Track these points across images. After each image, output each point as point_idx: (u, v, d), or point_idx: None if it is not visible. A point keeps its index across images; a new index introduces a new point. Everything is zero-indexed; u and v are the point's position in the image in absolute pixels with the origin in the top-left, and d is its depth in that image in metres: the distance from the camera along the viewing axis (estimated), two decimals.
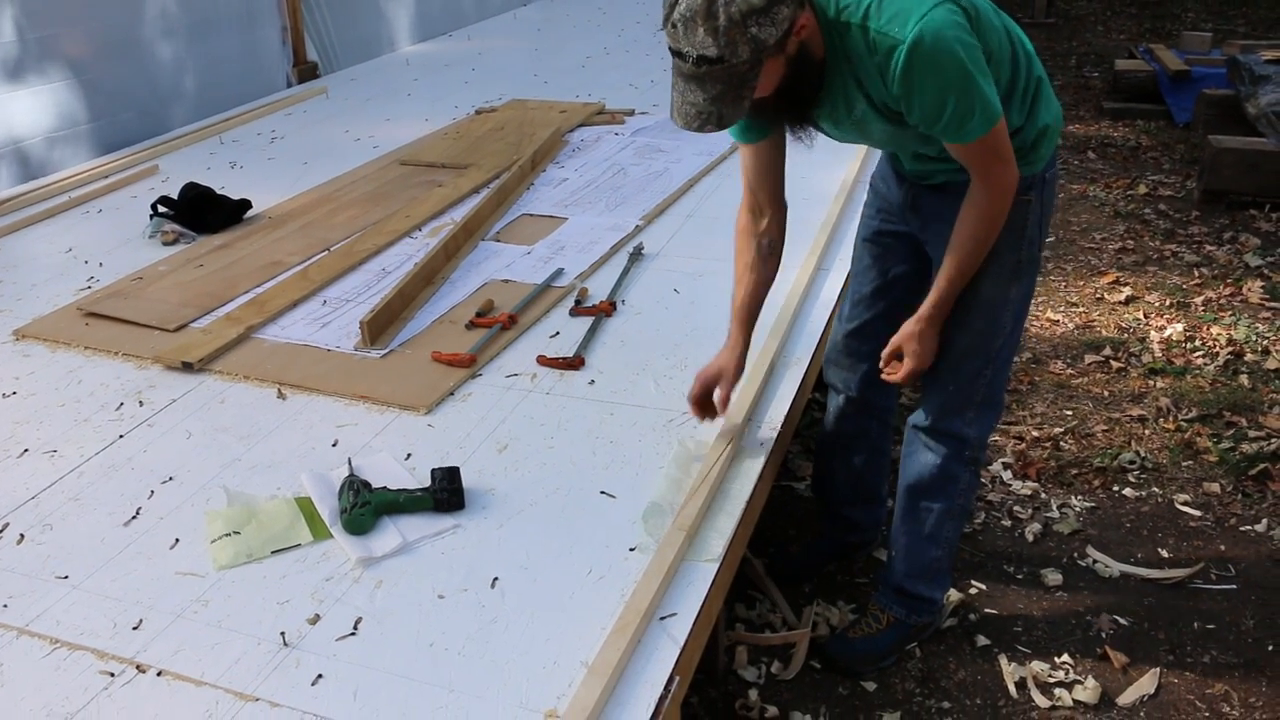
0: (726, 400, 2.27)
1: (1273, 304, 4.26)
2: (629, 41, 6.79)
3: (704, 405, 2.28)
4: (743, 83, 1.76)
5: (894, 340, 2.16)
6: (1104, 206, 5.48)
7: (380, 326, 2.84)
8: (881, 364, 2.20)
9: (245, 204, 3.84)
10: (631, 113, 4.93)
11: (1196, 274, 4.59)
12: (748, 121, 2.05)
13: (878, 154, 2.39)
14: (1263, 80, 6.05)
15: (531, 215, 3.70)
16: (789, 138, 2.06)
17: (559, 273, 3.20)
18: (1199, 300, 4.32)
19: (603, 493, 2.18)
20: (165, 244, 3.62)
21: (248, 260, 3.42)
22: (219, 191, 3.87)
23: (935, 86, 1.78)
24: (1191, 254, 4.82)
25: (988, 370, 2.18)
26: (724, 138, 4.44)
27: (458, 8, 7.59)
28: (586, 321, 2.91)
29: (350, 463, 2.26)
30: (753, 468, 2.25)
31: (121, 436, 2.46)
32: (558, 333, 2.88)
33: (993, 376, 2.20)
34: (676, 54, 1.75)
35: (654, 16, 7.06)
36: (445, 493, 2.11)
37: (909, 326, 2.13)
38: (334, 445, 2.39)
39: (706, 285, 3.14)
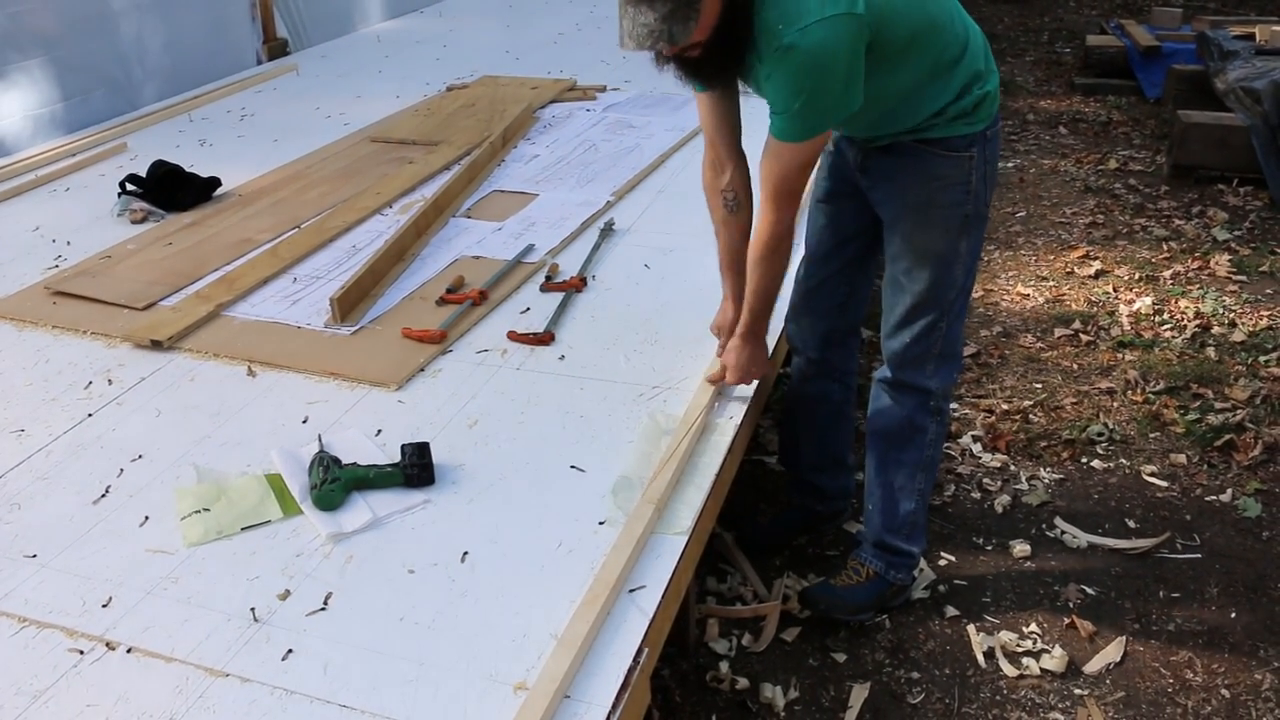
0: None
1: (1239, 277, 4.30)
2: (600, 17, 6.76)
3: None
4: (689, 4, 1.81)
5: (721, 357, 2.38)
6: (1074, 181, 5.51)
7: (351, 303, 2.83)
8: (711, 379, 2.39)
9: (215, 181, 3.81)
10: (603, 89, 4.92)
11: (1165, 248, 4.62)
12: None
13: None
14: (1231, 56, 6.08)
15: (502, 191, 3.69)
16: (741, 88, 2.13)
17: (530, 249, 3.20)
18: (1167, 274, 4.35)
19: (572, 467, 2.19)
20: (134, 222, 3.59)
21: (217, 238, 3.40)
22: (188, 169, 3.84)
23: (788, 86, 1.88)
24: (1161, 228, 4.85)
25: (942, 323, 2.23)
26: (695, 116, 4.44)
27: None
28: (557, 297, 2.91)
29: (320, 439, 2.25)
30: (722, 441, 2.26)
31: (90, 415, 2.45)
32: (528, 308, 2.88)
33: (948, 329, 2.25)
34: None
35: None
36: (415, 468, 2.12)
37: (732, 342, 2.32)
38: (304, 422, 2.38)
39: (677, 261, 3.15)
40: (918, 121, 2.06)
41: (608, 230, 3.33)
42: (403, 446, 2.16)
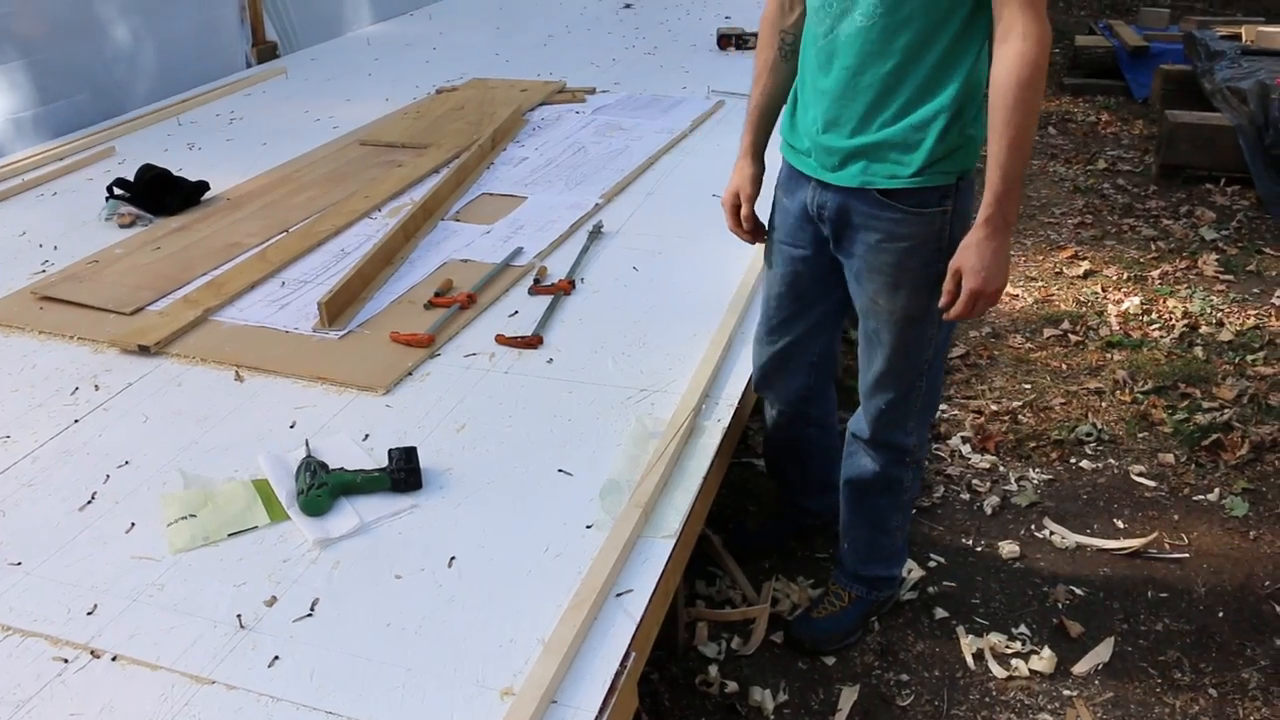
0: (751, 216, 2.24)
1: (1226, 276, 4.32)
2: (591, 20, 6.77)
3: (742, 229, 2.27)
4: None
5: (953, 262, 1.89)
6: (1064, 182, 5.52)
7: (339, 307, 2.82)
8: (942, 301, 1.92)
9: (203, 185, 3.80)
10: (593, 91, 4.92)
11: (1153, 248, 4.64)
12: None
13: None
14: (1218, 56, 6.10)
15: (491, 194, 3.69)
16: None
17: (518, 251, 3.20)
18: (1155, 274, 4.36)
19: (560, 470, 2.19)
20: (122, 226, 3.58)
21: (206, 242, 3.39)
22: (176, 173, 3.83)
23: None
24: (1149, 228, 4.86)
25: (920, 382, 2.13)
26: (684, 117, 4.45)
27: None
28: (545, 300, 2.91)
29: (307, 444, 2.25)
30: (709, 444, 2.26)
31: (77, 421, 2.44)
32: (516, 312, 2.87)
33: (928, 386, 2.15)
34: None
35: None
36: (403, 473, 2.11)
37: (967, 238, 1.87)
38: (291, 427, 2.38)
39: (665, 263, 3.15)
40: (917, 118, 1.89)
41: (596, 233, 3.33)
42: (390, 451, 2.16)
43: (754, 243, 2.31)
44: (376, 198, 3.61)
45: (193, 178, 3.83)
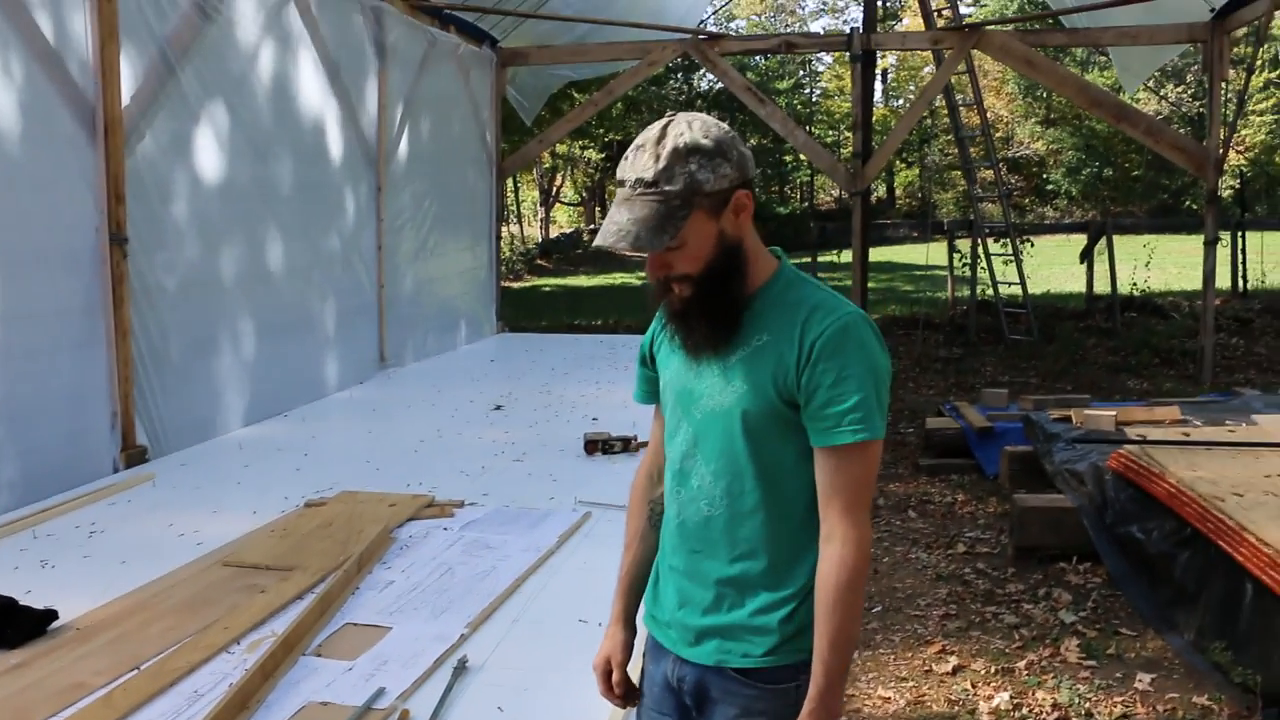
0: (623, 682, 2.22)
1: (1089, 662, 4.44)
2: (462, 422, 7.01)
3: (613, 694, 2.23)
4: (668, 216, 1.83)
5: None
6: (926, 569, 5.71)
7: None
8: None
9: (51, 615, 3.67)
10: (461, 504, 5.03)
11: (1017, 636, 4.77)
12: (646, 376, 2.17)
13: None
14: (1054, 438, 6.58)
15: (355, 625, 3.65)
16: (687, 364, 2.04)
17: (380, 693, 3.14)
18: (1022, 664, 4.47)
19: None
20: None
21: (47, 682, 3.24)
22: (23, 599, 3.72)
23: (861, 365, 1.85)
24: (1010, 614, 5.02)
25: None
26: (552, 532, 4.56)
27: (292, 386, 7.72)
28: None
29: None
30: None
31: None
32: None
33: None
34: (621, 183, 1.84)
35: (487, 396, 7.35)
36: None
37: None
38: None
39: (532, 701, 3.12)
40: (765, 603, 1.97)
41: (461, 668, 3.31)
42: None
43: (625, 708, 2.33)
44: (236, 629, 3.54)
45: (43, 601, 3.72)
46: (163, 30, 6.23)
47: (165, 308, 6.30)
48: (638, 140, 1.91)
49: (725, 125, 1.93)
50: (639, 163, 1.87)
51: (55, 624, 3.67)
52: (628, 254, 1.89)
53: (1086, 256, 14.29)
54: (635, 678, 2.29)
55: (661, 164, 1.85)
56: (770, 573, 1.99)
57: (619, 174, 1.90)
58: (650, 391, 2.22)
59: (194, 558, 4.35)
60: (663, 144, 1.86)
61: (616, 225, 1.85)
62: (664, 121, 1.93)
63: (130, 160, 5.95)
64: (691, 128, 1.89)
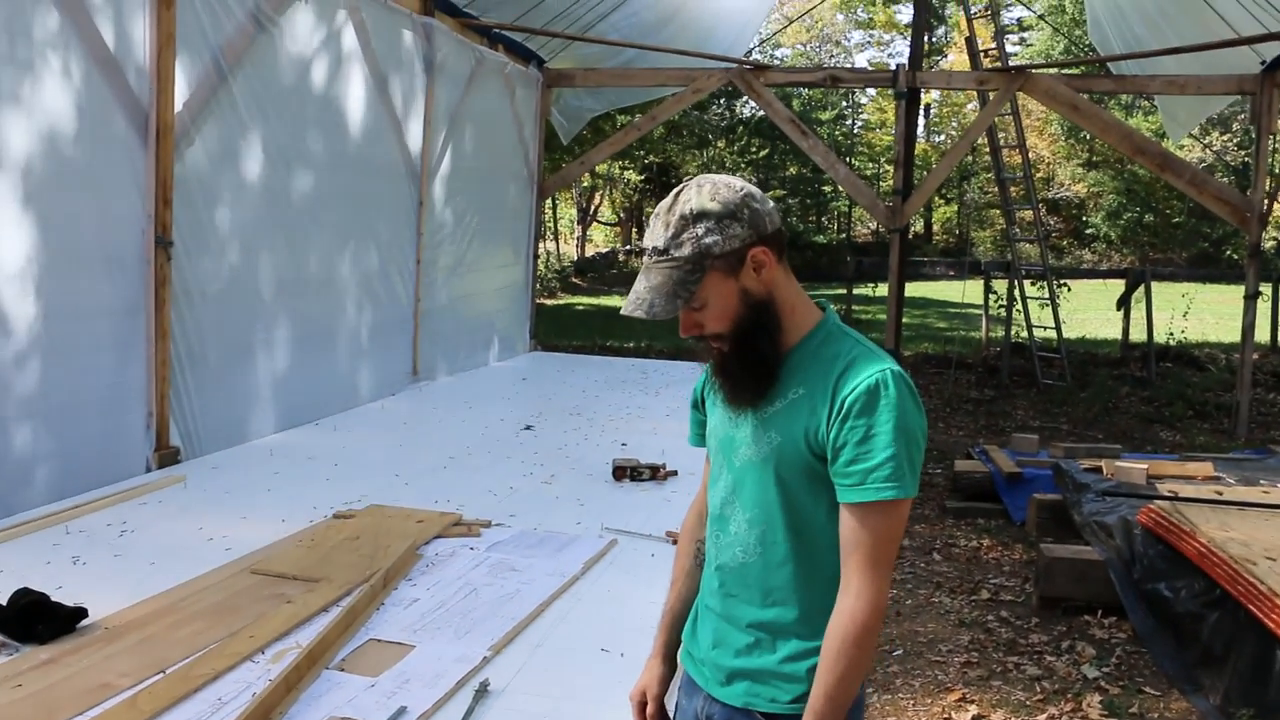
0: (657, 715, 2.24)
1: None
2: (491, 441, 7.04)
3: None
4: (681, 282, 1.88)
5: None
6: (949, 614, 5.67)
7: None
8: None
9: (81, 612, 3.72)
10: (488, 524, 5.04)
11: (1038, 688, 4.73)
12: (698, 420, 2.22)
13: None
14: (1084, 489, 6.53)
15: (379, 641, 3.67)
16: (728, 413, 2.08)
17: (401, 711, 3.15)
18: (1043, 717, 4.43)
19: None
20: None
21: (74, 680, 3.27)
22: (54, 595, 3.76)
23: (891, 423, 1.86)
24: (1033, 665, 4.98)
25: None
26: (577, 558, 4.56)
27: (325, 395, 7.78)
28: None
29: None
30: None
31: None
32: None
33: None
34: (642, 251, 1.91)
35: (517, 415, 7.38)
36: None
37: None
38: None
39: None
40: (795, 651, 2.00)
41: (482, 691, 3.32)
42: None
43: None
44: (262, 639, 3.57)
45: (73, 599, 3.76)
46: (218, 39, 6.32)
47: (205, 311, 6.37)
48: (656, 209, 1.98)
49: (741, 184, 1.98)
50: (654, 231, 1.94)
51: (84, 622, 3.71)
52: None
53: (1124, 304, 14.20)
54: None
55: (670, 231, 1.91)
56: (802, 621, 2.01)
57: (643, 241, 1.98)
58: (702, 435, 2.26)
59: (222, 563, 4.38)
60: (673, 212, 1.93)
61: (636, 294, 1.93)
62: (678, 189, 1.99)
63: (179, 165, 6.03)
64: (701, 192, 1.94)
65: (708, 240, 1.90)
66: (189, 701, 3.18)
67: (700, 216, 1.91)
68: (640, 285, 1.93)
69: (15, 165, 5.00)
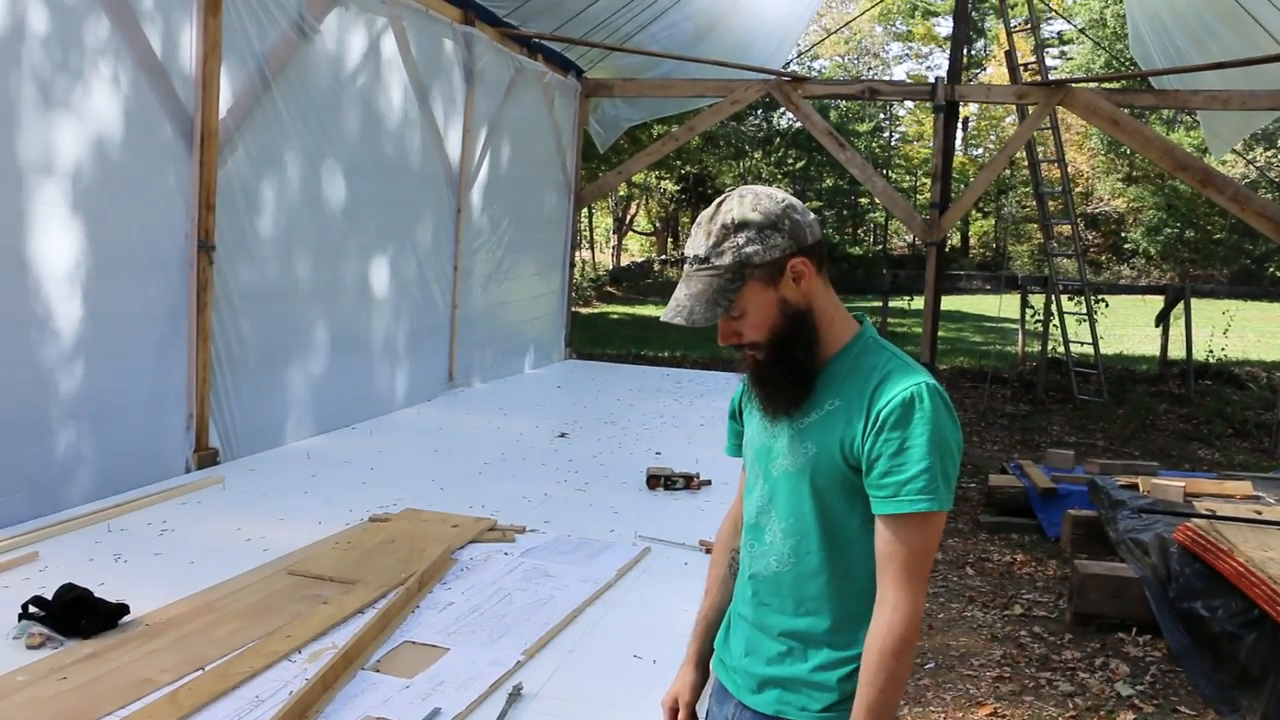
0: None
1: None
2: (526, 448, 7.07)
3: None
4: (721, 291, 1.92)
5: None
6: (981, 629, 5.65)
7: None
8: None
9: (123, 609, 3.78)
10: (522, 530, 5.07)
11: (1071, 705, 4.70)
12: (735, 430, 2.26)
13: None
14: (1119, 505, 6.49)
15: (414, 643, 3.71)
16: (764, 422, 2.11)
17: (435, 713, 3.18)
18: None
19: None
20: (30, 647, 3.52)
21: (117, 675, 3.33)
22: (97, 592, 3.82)
23: (926, 435, 1.89)
24: (1065, 682, 4.95)
25: None
26: (611, 565, 4.58)
27: (362, 399, 7.85)
28: None
29: None
30: None
31: None
32: None
33: None
34: (677, 260, 1.95)
35: (552, 422, 7.41)
36: None
37: None
38: None
39: None
40: (826, 661, 2.03)
41: (515, 695, 3.35)
42: None
43: None
44: (299, 638, 3.62)
45: (115, 595, 3.82)
46: (262, 47, 6.41)
47: (245, 315, 6.45)
48: (698, 218, 2.01)
49: (782, 195, 2.01)
50: (695, 240, 1.97)
51: (126, 618, 3.77)
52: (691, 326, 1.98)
53: (1163, 320, 14.07)
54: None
55: (712, 240, 1.95)
56: (835, 631, 2.02)
57: (685, 250, 2.01)
58: (739, 445, 2.29)
59: (260, 563, 4.44)
60: (714, 221, 1.96)
61: (676, 301, 1.96)
62: (721, 198, 2.03)
63: (221, 171, 6.12)
64: (743, 202, 1.97)
65: (748, 250, 1.93)
66: (228, 698, 3.23)
67: (742, 226, 1.93)
68: (680, 292, 1.96)
69: (65, 171, 5.09)
